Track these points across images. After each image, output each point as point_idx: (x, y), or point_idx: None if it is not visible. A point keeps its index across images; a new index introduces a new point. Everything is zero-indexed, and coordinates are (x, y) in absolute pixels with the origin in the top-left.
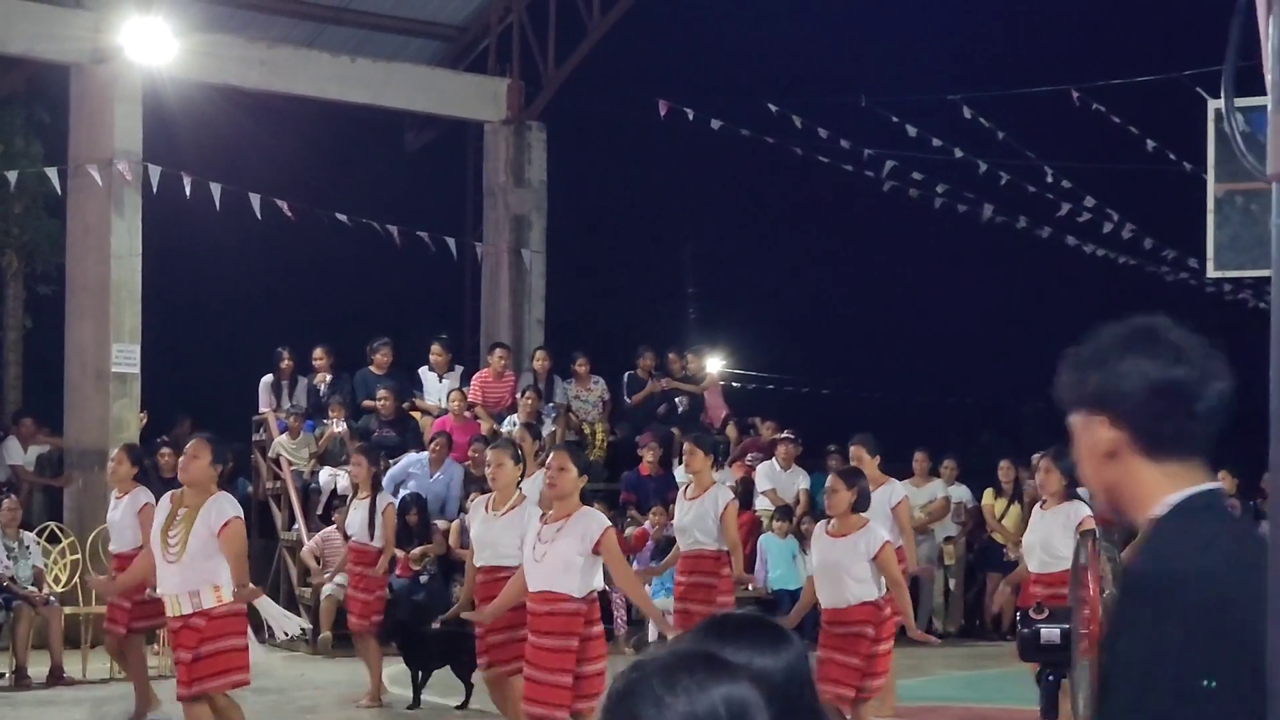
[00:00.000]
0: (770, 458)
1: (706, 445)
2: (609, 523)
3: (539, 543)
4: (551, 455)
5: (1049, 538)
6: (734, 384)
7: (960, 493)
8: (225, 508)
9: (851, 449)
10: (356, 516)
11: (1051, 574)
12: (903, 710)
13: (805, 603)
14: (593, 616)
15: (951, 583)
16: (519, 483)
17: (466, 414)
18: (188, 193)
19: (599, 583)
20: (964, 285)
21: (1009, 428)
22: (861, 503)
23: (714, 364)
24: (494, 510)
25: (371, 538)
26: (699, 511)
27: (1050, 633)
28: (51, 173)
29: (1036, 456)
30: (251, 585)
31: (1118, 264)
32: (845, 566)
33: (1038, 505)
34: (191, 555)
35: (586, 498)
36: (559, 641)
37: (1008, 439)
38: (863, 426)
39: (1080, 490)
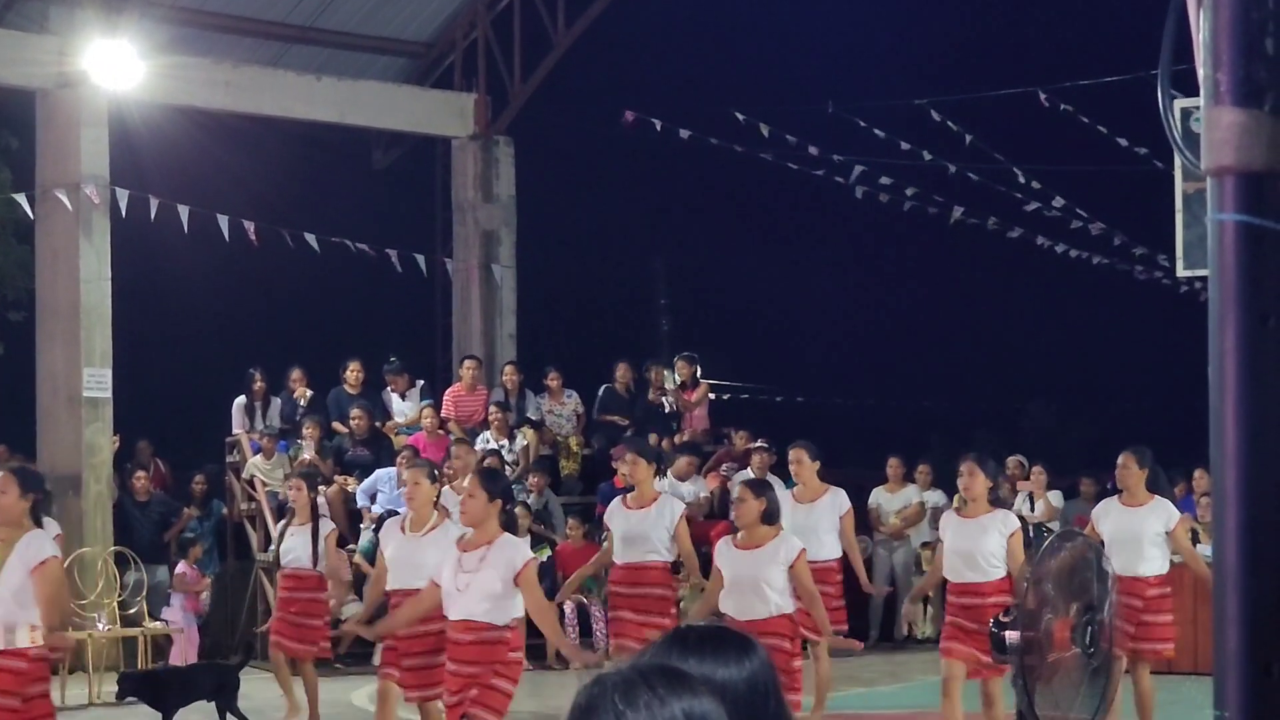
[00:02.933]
0: (745, 467)
1: (650, 455)
2: (531, 554)
3: (461, 571)
4: (467, 480)
5: (973, 547)
6: (709, 394)
7: (935, 497)
8: (43, 546)
9: (791, 452)
10: (296, 543)
11: (976, 584)
12: (881, 717)
13: (707, 607)
14: (516, 644)
15: None
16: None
17: (439, 431)
18: (153, 216)
19: (520, 609)
20: (937, 288)
21: (1001, 428)
22: (771, 514)
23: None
24: (412, 531)
25: (315, 565)
26: (651, 522)
27: (1014, 635)
28: (20, 198)
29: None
30: (63, 633)
31: (1091, 264)
32: (761, 578)
33: (952, 511)
34: (7, 591)
35: (566, 511)
36: (479, 670)
37: (995, 440)
38: (838, 433)
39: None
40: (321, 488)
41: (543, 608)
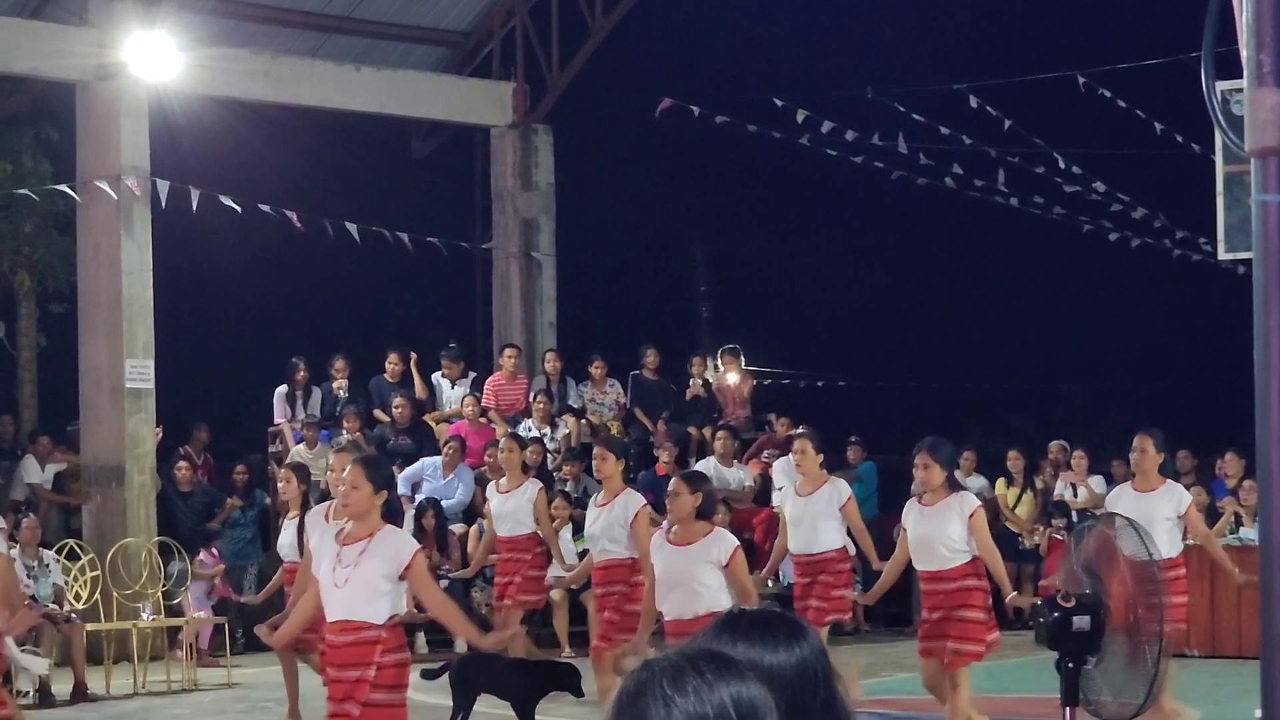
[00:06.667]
0: (786, 454)
1: (618, 450)
2: (418, 545)
3: (339, 566)
4: (348, 470)
5: (938, 534)
6: (751, 381)
7: (978, 483)
8: None
9: (795, 443)
10: (286, 537)
11: (939, 571)
12: (923, 703)
13: (649, 614)
14: (391, 644)
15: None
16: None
17: (481, 419)
18: (194, 206)
19: (401, 608)
20: (977, 273)
21: (1040, 412)
22: (706, 509)
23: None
24: (337, 518)
25: (301, 555)
26: (608, 519)
27: (1081, 620)
28: (62, 190)
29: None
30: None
31: (1130, 247)
32: (694, 575)
33: (914, 500)
34: None
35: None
36: (357, 673)
37: (1034, 424)
38: (880, 419)
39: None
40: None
41: (438, 599)
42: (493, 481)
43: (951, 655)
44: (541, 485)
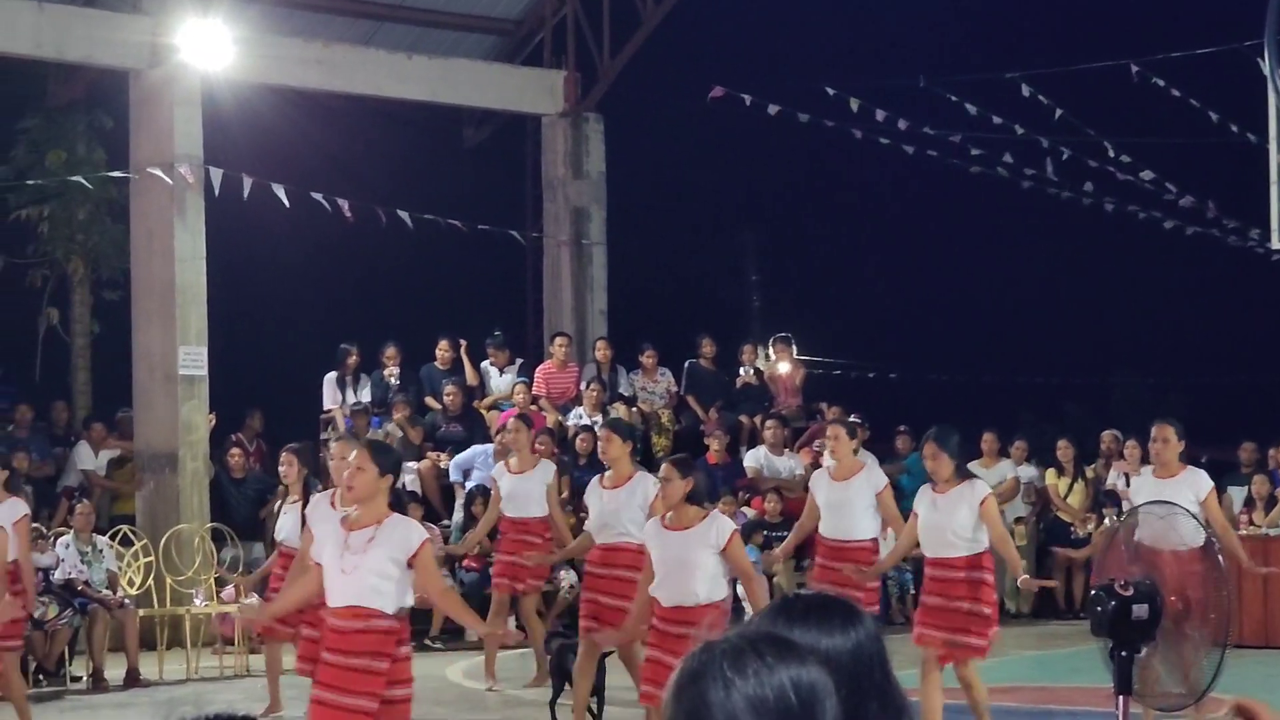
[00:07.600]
0: None
1: (624, 432)
2: (425, 534)
3: (347, 552)
4: (354, 453)
5: (948, 521)
6: (801, 369)
7: (1029, 473)
8: None
9: (829, 429)
10: (288, 521)
11: (949, 559)
12: (956, 690)
13: (644, 602)
14: (404, 635)
15: (1023, 563)
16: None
17: (531, 407)
18: (246, 194)
19: (409, 600)
20: (1029, 262)
21: (1093, 402)
22: (698, 494)
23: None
24: (345, 505)
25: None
26: (624, 503)
27: (1140, 609)
28: (115, 177)
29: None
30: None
31: (1184, 235)
32: (692, 561)
33: (928, 487)
34: None
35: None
36: (368, 662)
37: (1088, 414)
38: (930, 409)
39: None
40: (415, 464)
41: (443, 589)
42: (500, 462)
43: (949, 648)
44: (556, 468)
